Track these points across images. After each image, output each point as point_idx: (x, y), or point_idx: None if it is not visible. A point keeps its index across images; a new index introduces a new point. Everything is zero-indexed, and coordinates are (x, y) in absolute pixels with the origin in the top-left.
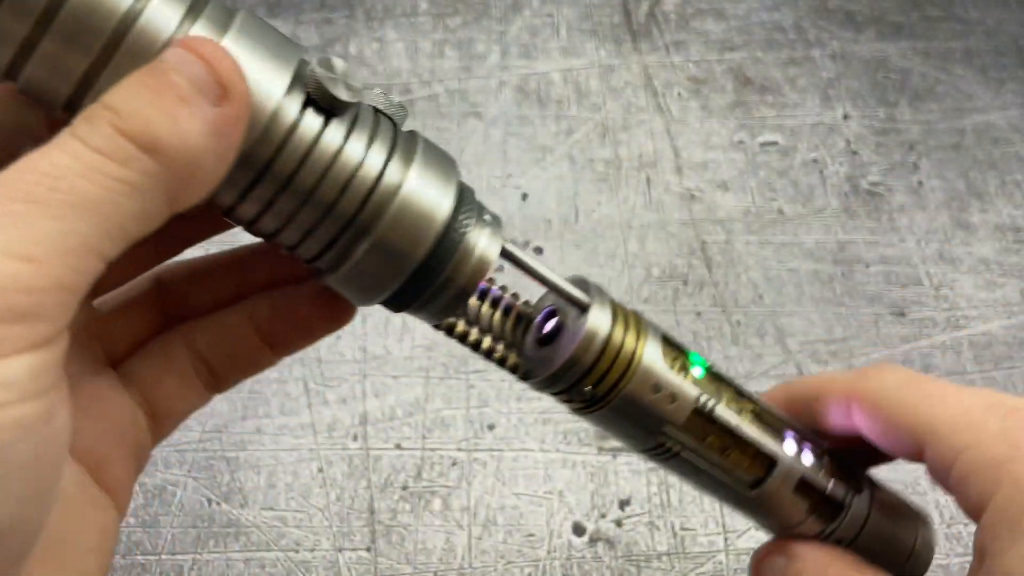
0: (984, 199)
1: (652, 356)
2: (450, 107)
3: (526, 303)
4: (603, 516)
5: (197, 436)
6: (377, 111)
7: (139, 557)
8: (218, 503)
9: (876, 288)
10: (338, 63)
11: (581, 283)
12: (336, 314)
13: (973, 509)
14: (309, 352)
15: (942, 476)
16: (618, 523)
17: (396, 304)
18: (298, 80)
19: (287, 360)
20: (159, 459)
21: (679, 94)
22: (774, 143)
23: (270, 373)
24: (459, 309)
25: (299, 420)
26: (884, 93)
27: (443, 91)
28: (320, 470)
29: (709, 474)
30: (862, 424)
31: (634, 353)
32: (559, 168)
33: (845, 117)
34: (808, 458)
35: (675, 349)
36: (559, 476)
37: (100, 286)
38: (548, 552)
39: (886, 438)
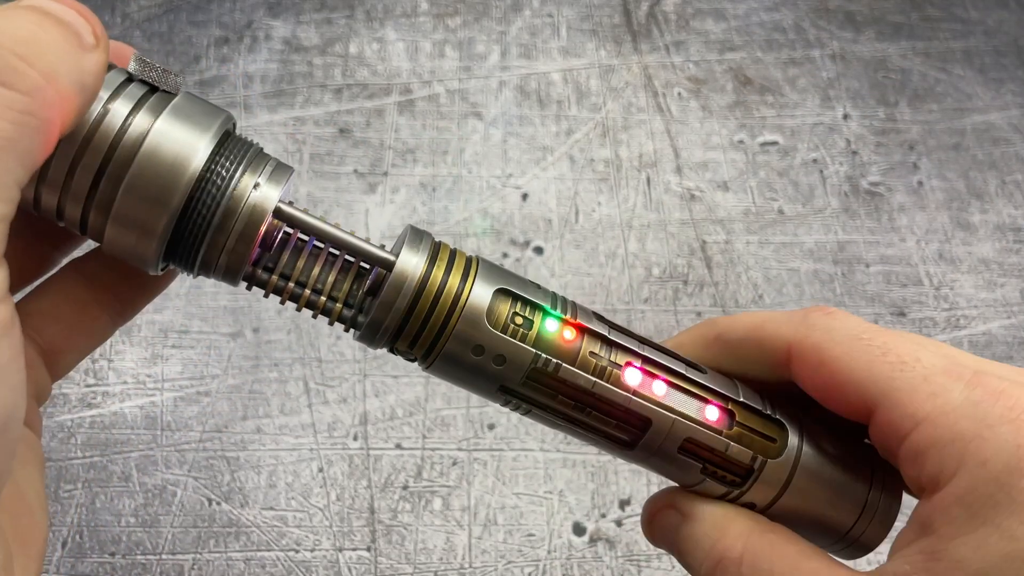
0: (984, 199)
1: (474, 313)
2: (450, 107)
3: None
4: (603, 516)
5: (197, 436)
6: (131, 77)
7: (139, 557)
8: (218, 503)
9: (876, 288)
10: None
11: (415, 235)
12: None
13: (926, 484)
14: (309, 352)
15: (890, 444)
16: (618, 523)
17: (180, 258)
18: None
19: (287, 360)
20: (159, 459)
21: (679, 94)
22: (774, 143)
23: (270, 373)
24: (245, 261)
25: (299, 420)
26: (884, 93)
27: (443, 91)
28: (320, 470)
29: (575, 429)
30: (803, 377)
31: (454, 306)
32: (559, 168)
33: (845, 117)
34: (709, 414)
35: (520, 302)
36: (559, 476)
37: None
38: (548, 552)
39: (830, 395)
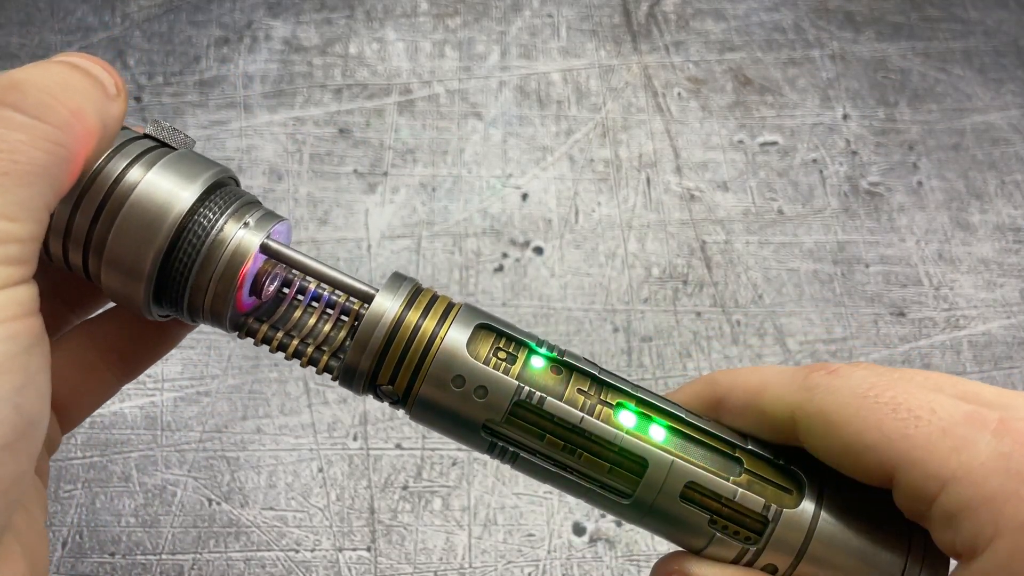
0: (984, 199)
1: (453, 346)
2: (450, 107)
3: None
4: (603, 516)
5: (197, 436)
6: (147, 135)
7: (139, 557)
8: (218, 503)
9: (876, 288)
10: None
11: (395, 279)
12: None
13: (962, 550)
14: None
15: (918, 508)
16: (618, 523)
17: (170, 302)
18: None
19: (287, 360)
20: (159, 459)
21: (679, 94)
22: (774, 143)
23: (270, 373)
24: (228, 303)
25: (299, 420)
26: (884, 93)
27: (443, 91)
28: (320, 470)
29: (566, 478)
30: (811, 443)
31: (430, 343)
32: (559, 168)
33: (845, 117)
34: (713, 459)
35: (502, 338)
36: None
37: None
38: (548, 552)
39: (844, 462)
